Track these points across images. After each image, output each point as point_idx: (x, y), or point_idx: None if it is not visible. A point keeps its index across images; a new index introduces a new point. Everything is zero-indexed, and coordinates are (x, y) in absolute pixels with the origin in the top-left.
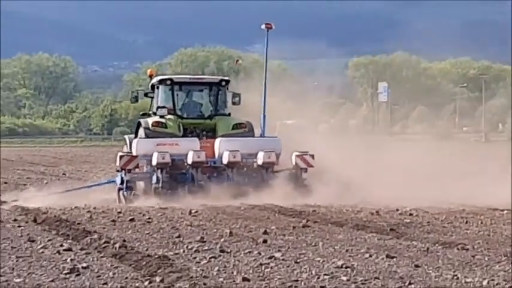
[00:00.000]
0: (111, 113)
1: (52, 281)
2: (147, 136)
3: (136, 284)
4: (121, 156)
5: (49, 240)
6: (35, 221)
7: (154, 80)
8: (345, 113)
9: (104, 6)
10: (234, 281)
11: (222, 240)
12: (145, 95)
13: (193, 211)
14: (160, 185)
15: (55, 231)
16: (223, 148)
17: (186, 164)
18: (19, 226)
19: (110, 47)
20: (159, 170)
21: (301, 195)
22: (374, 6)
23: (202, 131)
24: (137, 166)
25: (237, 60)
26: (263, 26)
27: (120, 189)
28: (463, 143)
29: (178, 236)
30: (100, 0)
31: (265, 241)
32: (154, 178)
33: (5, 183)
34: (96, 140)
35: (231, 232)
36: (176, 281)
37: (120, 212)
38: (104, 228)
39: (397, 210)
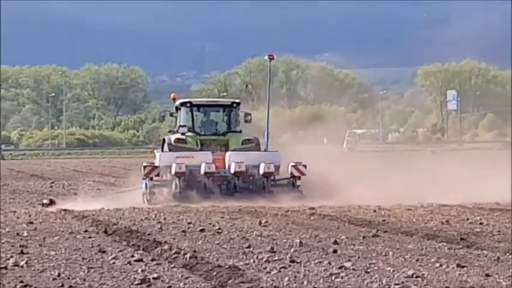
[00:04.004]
0: None
1: None
2: (170, 151)
3: None
4: (145, 166)
5: (120, 251)
6: (105, 232)
7: (177, 102)
8: (414, 122)
9: (172, 13)
10: None
11: (292, 250)
12: (171, 114)
13: (263, 221)
14: (178, 190)
15: (125, 242)
16: (231, 160)
17: (199, 173)
18: (90, 237)
19: (178, 56)
20: (177, 178)
21: (295, 199)
22: (442, 13)
23: (217, 146)
24: (158, 175)
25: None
26: (266, 57)
27: (144, 193)
28: None
29: (248, 246)
30: (168, 8)
31: (335, 251)
32: (173, 185)
33: (75, 194)
34: None
35: (301, 242)
36: None
37: (190, 223)
38: (174, 238)
39: (468, 219)
